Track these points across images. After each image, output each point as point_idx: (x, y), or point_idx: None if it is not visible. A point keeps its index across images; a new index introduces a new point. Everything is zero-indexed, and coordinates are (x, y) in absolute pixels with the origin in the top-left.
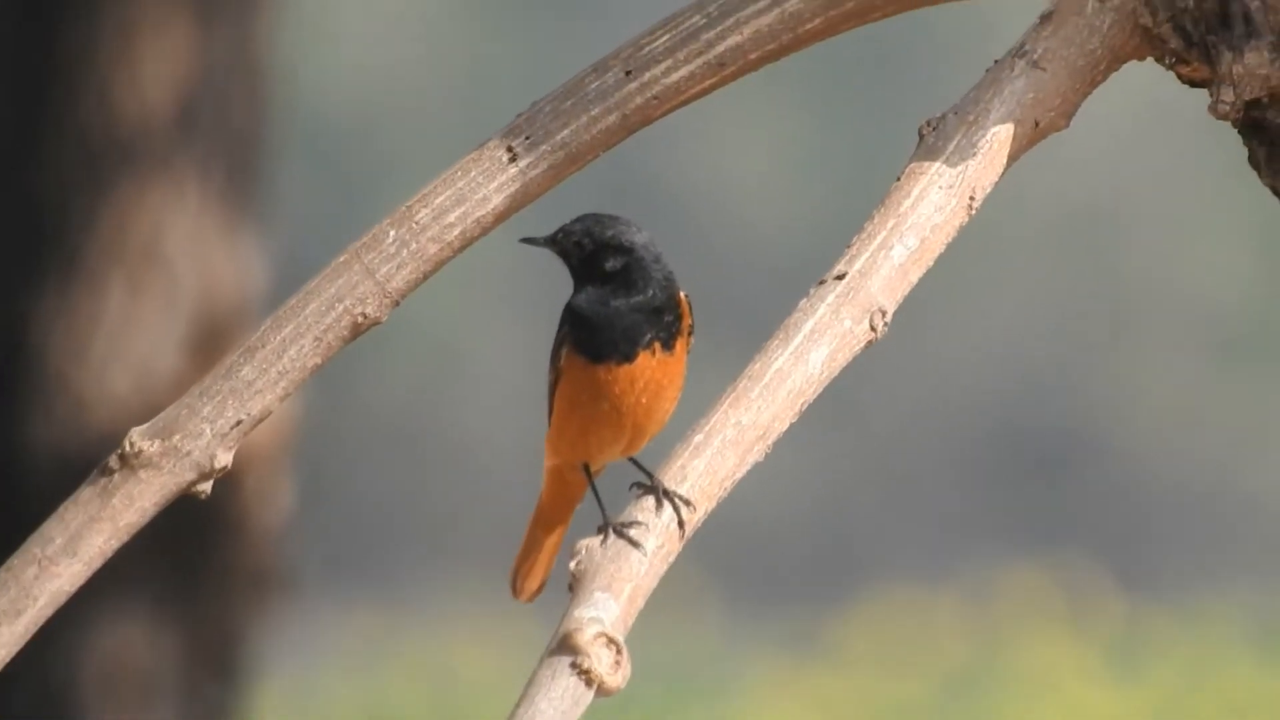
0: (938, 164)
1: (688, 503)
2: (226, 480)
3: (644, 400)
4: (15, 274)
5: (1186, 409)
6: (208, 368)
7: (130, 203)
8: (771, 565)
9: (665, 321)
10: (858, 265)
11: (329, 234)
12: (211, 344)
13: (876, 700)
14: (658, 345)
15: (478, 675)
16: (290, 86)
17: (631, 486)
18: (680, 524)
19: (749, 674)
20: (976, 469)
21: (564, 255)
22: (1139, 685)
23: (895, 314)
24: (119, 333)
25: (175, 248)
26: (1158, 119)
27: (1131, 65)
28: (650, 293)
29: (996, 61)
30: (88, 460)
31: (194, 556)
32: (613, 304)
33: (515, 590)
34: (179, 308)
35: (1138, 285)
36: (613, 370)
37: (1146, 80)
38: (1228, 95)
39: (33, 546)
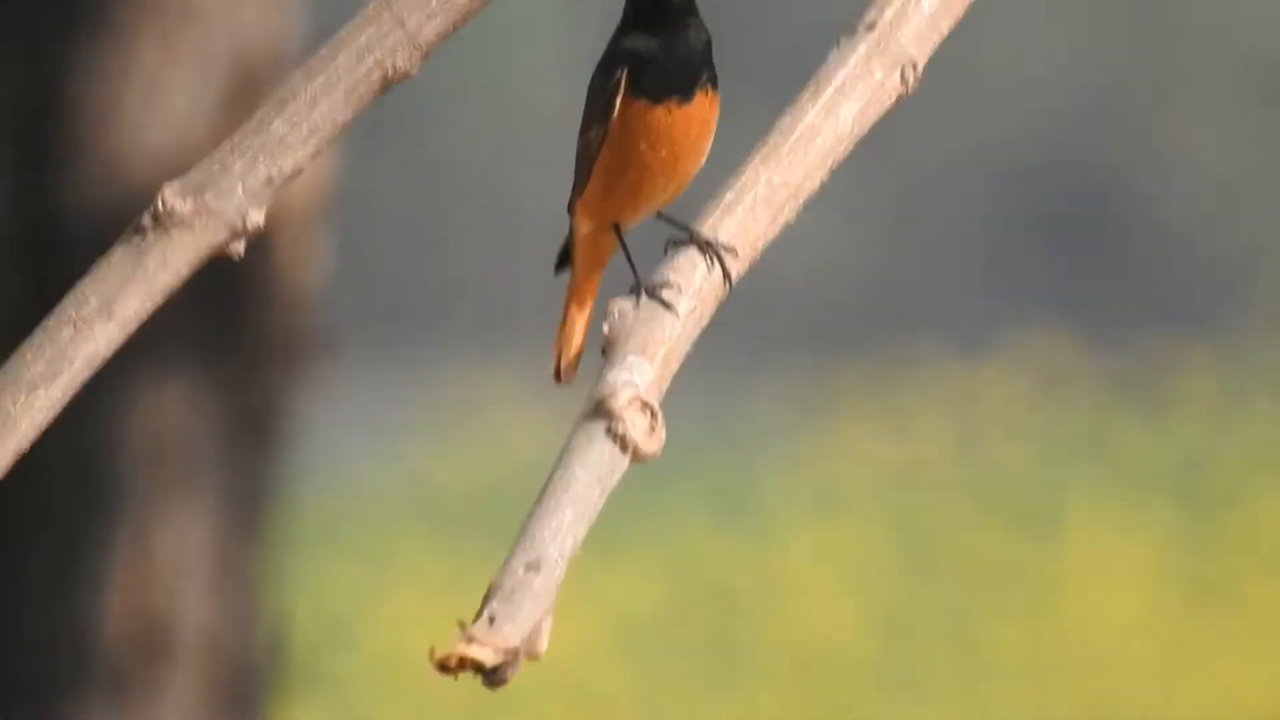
0: None
1: (731, 250)
2: (261, 242)
3: (699, 144)
4: (43, 30)
5: (1232, 164)
6: (241, 123)
7: None
8: (802, 322)
9: (711, 62)
10: (888, 14)
11: None
12: (246, 97)
13: (893, 459)
14: (709, 85)
15: (514, 443)
16: None
17: (667, 243)
18: (726, 273)
19: (773, 429)
20: (1012, 225)
21: None
22: (1169, 435)
23: (927, 66)
24: (151, 87)
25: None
26: None
27: None
28: (701, 34)
29: None
30: (123, 218)
31: (229, 321)
32: (669, 45)
33: (556, 372)
34: (212, 60)
35: (1183, 34)
36: (673, 111)
37: None
38: None
39: (68, 307)
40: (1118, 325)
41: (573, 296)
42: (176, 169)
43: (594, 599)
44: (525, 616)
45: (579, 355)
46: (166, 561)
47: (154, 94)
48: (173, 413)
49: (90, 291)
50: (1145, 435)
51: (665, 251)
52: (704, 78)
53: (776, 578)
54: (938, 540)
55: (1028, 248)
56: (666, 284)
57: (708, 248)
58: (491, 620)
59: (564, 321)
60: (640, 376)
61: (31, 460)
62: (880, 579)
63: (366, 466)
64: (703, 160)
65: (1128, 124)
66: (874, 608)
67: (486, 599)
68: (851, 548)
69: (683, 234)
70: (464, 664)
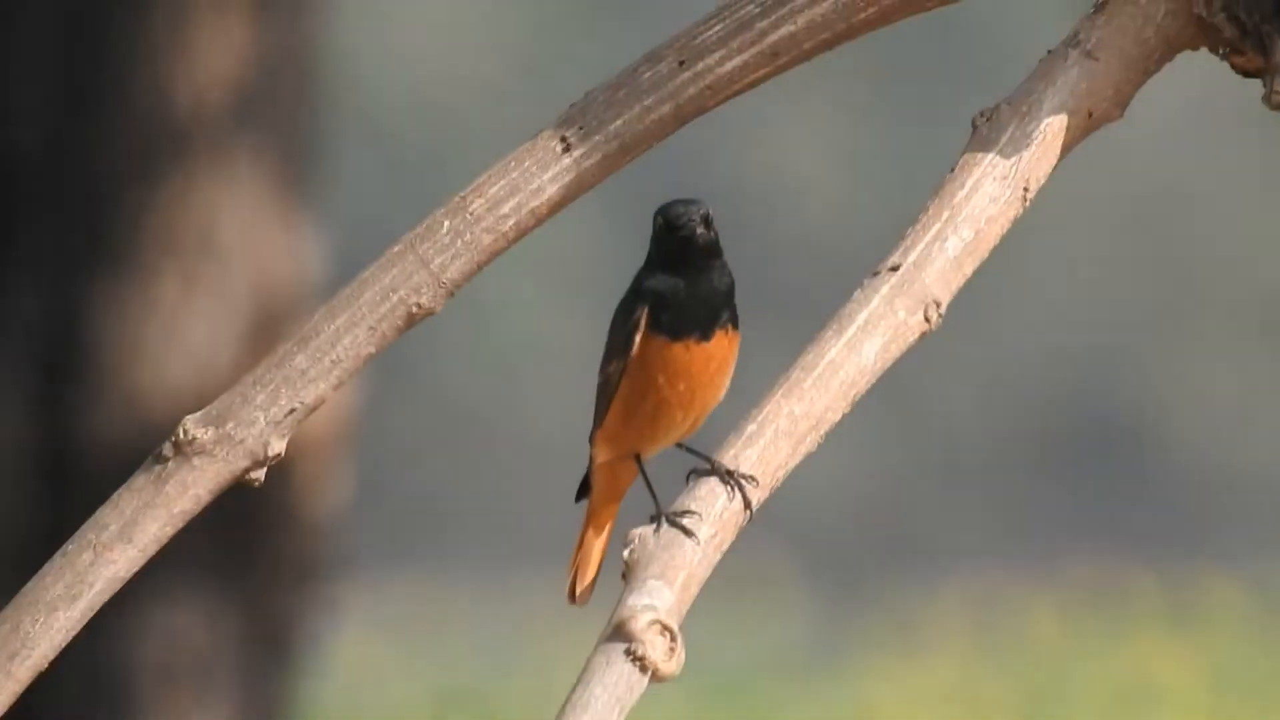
0: (992, 155)
1: (752, 479)
2: (281, 469)
3: (717, 379)
4: (69, 265)
5: (1245, 396)
6: (262, 358)
7: (184, 193)
8: (826, 554)
9: (733, 303)
10: (912, 257)
11: (384, 224)
12: (266, 334)
13: (901, 696)
14: (729, 325)
15: (534, 665)
16: (345, 75)
17: (689, 473)
18: (746, 502)
19: (797, 660)
20: (1034, 457)
21: (687, 237)
22: (1201, 651)
23: (951, 303)
24: (173, 324)
25: (229, 238)
26: (1213, 109)
27: (1185, 55)
28: (725, 276)
29: (1050, 52)
30: (142, 451)
31: (248, 544)
32: (692, 285)
33: (571, 593)
34: (233, 298)
35: (1195, 273)
36: (691, 349)
37: (1201, 70)
38: None
39: (88, 532)
40: (1137, 548)
41: (590, 522)
42: (196, 402)
43: None
44: None
45: (594, 579)
46: None
47: (175, 329)
48: (189, 631)
49: (110, 517)
50: (1171, 652)
51: (687, 481)
52: (724, 318)
53: None
54: None
55: (1044, 478)
56: (688, 512)
57: (729, 477)
58: None
59: (581, 545)
60: (660, 600)
61: (47, 676)
62: None
63: (390, 683)
64: (721, 395)
65: (1141, 358)
66: None
67: None
68: None
69: (704, 464)
70: None
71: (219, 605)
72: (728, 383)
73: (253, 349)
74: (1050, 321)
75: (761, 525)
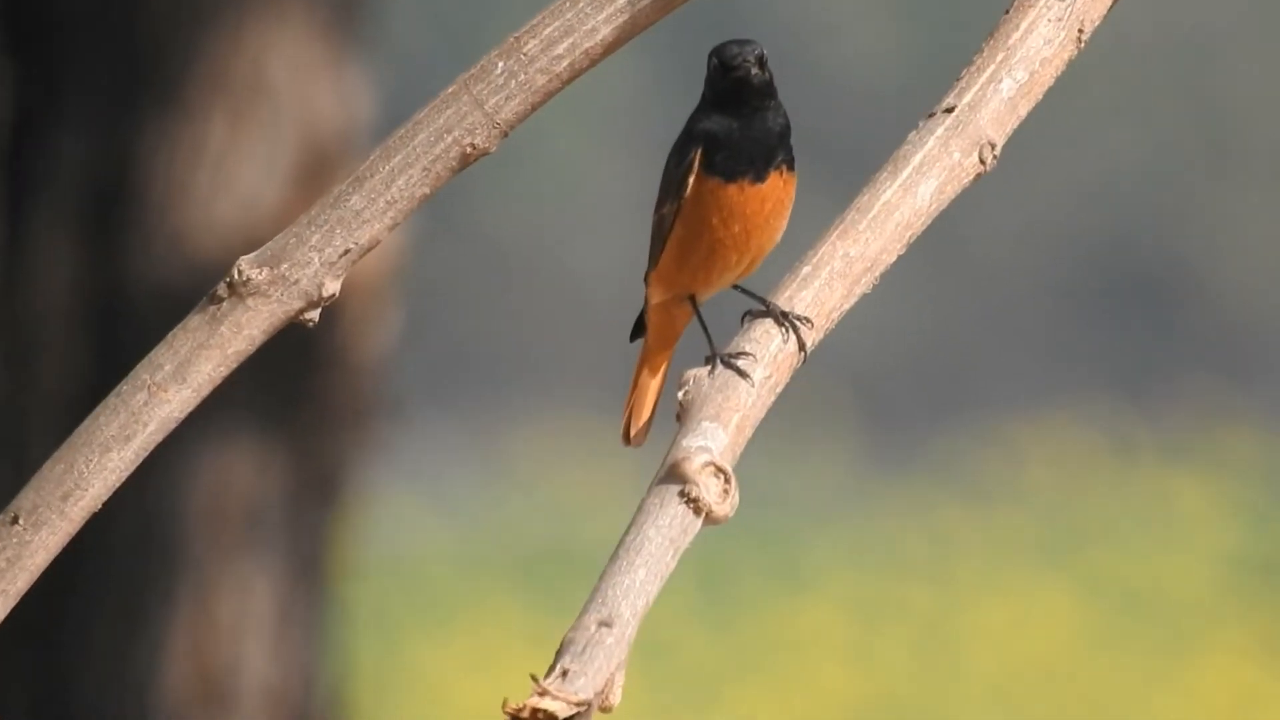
0: None
1: (807, 321)
2: (329, 311)
3: (772, 221)
4: (117, 108)
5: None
6: (312, 200)
7: (232, 33)
8: (873, 396)
9: (789, 144)
10: (967, 98)
11: (437, 69)
12: (316, 176)
13: (965, 528)
14: (784, 166)
15: (583, 509)
16: None
17: (744, 315)
18: (801, 343)
19: (850, 501)
20: (1074, 301)
21: (742, 78)
22: (1226, 494)
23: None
24: (222, 165)
25: (279, 79)
26: None
27: None
28: (779, 117)
29: None
30: (193, 293)
31: (298, 387)
32: (746, 126)
33: (625, 434)
34: (282, 140)
35: (1238, 117)
36: (745, 190)
37: None
38: None
39: (142, 373)
40: (1170, 386)
41: (645, 363)
42: (245, 244)
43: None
44: (598, 670)
45: (649, 420)
46: (229, 620)
47: (223, 170)
48: (238, 474)
49: (165, 357)
50: (1199, 491)
51: (742, 322)
52: (779, 159)
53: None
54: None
55: (1085, 317)
56: (742, 353)
57: (784, 318)
58: (564, 674)
59: (635, 386)
60: (714, 442)
61: (97, 520)
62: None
63: (431, 526)
64: (777, 237)
65: (1182, 200)
66: (915, 660)
67: (559, 654)
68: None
69: (759, 305)
70: (536, 716)
71: (268, 448)
72: (784, 225)
73: (301, 191)
74: (1094, 165)
75: (815, 366)
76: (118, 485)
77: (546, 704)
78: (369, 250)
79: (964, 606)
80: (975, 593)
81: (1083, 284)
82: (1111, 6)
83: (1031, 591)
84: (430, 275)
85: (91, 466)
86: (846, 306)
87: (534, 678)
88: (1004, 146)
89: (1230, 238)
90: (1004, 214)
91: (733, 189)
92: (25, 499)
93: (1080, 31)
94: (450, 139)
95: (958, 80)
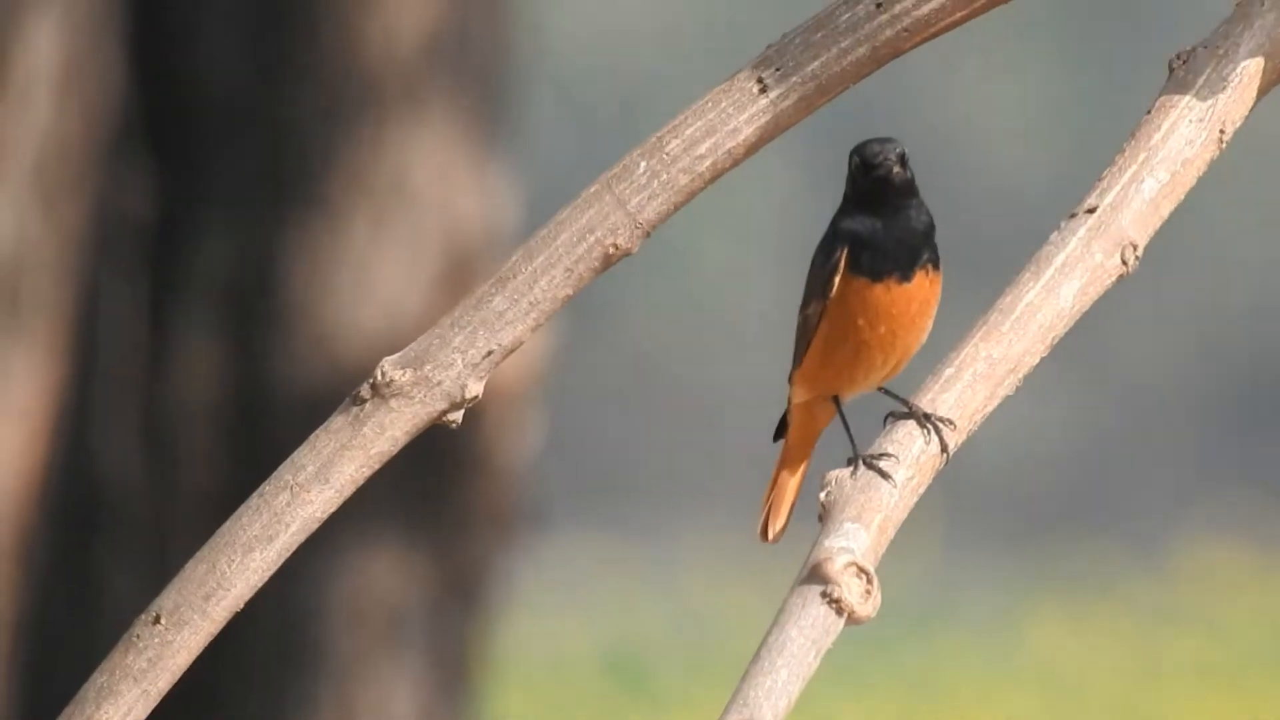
0: (1188, 97)
1: (950, 423)
2: (473, 414)
3: (919, 321)
4: (261, 210)
5: None
6: (453, 303)
7: (376, 136)
8: (1007, 503)
9: (933, 243)
10: (1109, 199)
11: (575, 171)
12: (456, 280)
13: (1098, 645)
14: (930, 266)
15: (721, 613)
16: (540, 19)
17: (887, 416)
18: (943, 446)
19: (980, 611)
20: (1219, 415)
21: (884, 177)
22: None
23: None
24: (364, 267)
25: (421, 182)
26: None
27: None
28: (922, 215)
29: None
30: (333, 396)
31: (440, 490)
32: (890, 225)
33: (763, 531)
34: (424, 243)
35: None
36: (891, 289)
37: None
38: None
39: (285, 473)
40: None
41: (785, 461)
42: (387, 346)
43: None
44: None
45: (788, 517)
46: None
47: (366, 272)
48: (381, 575)
49: (308, 458)
50: None
51: (884, 424)
52: (925, 258)
53: None
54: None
55: (1232, 428)
56: (885, 454)
57: (926, 420)
58: None
59: (775, 484)
60: (856, 542)
61: (241, 618)
62: None
63: (572, 632)
64: (923, 338)
65: None
66: None
67: None
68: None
69: (902, 407)
70: None
71: (410, 551)
72: (929, 325)
73: (443, 294)
74: (1244, 273)
75: (958, 468)
76: (260, 585)
77: None
78: (512, 352)
79: None
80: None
81: (1232, 394)
82: (1253, 107)
83: (1184, 707)
84: (575, 381)
85: (234, 567)
86: (989, 408)
87: None
88: (1146, 248)
89: None
90: (1147, 318)
91: (879, 289)
92: (167, 598)
93: (1222, 132)
94: (593, 239)
95: (1099, 180)
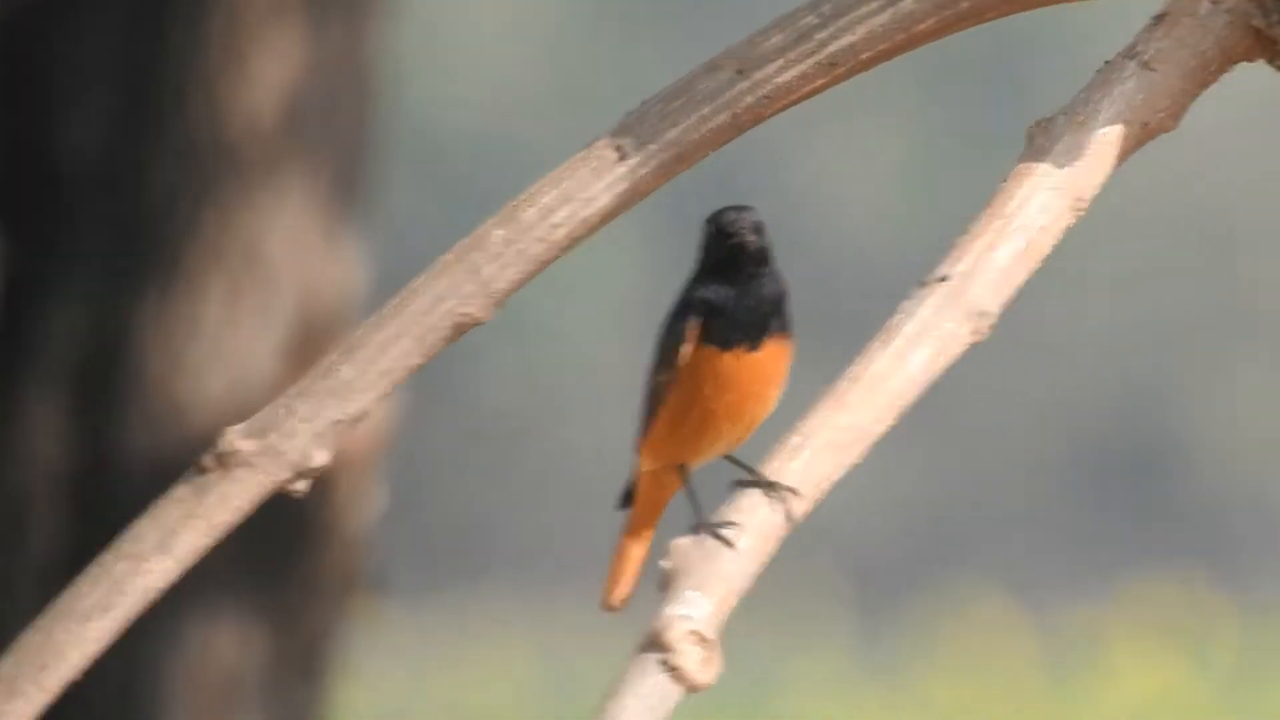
0: (1045, 165)
1: (795, 492)
2: (317, 482)
3: (767, 390)
4: (116, 277)
5: None
6: (305, 372)
7: (233, 207)
8: (856, 567)
9: (785, 312)
10: (961, 267)
11: (435, 239)
12: (309, 350)
13: (939, 711)
14: (780, 335)
15: (564, 683)
16: (399, 90)
17: (733, 484)
18: (788, 514)
19: (819, 675)
20: (1067, 476)
21: (739, 244)
22: (1210, 669)
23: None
24: (217, 338)
25: (275, 253)
26: (1269, 120)
27: (1242, 66)
28: (776, 284)
29: (1107, 63)
30: (183, 464)
31: (282, 558)
32: (742, 294)
33: (606, 600)
34: (278, 312)
35: (1245, 291)
36: (740, 358)
37: (1258, 81)
38: None
39: (125, 543)
40: (1167, 570)
41: (631, 529)
42: (237, 416)
43: None
44: None
45: (633, 586)
46: None
47: (219, 343)
48: (220, 644)
49: (148, 529)
50: (1187, 670)
51: (730, 492)
52: (774, 326)
53: None
54: None
55: (1084, 496)
56: (728, 523)
57: (772, 489)
58: None
59: (619, 553)
60: (697, 610)
61: (78, 689)
62: None
63: (415, 698)
64: (772, 406)
65: (1185, 380)
66: None
67: None
68: None
69: (748, 475)
70: None
71: (252, 620)
72: (778, 394)
73: (294, 364)
74: (1094, 339)
75: (804, 536)
76: (96, 656)
77: None
78: (359, 421)
79: None
80: None
81: (1076, 457)
82: (1110, 175)
83: None
84: (424, 447)
85: (70, 637)
86: (836, 477)
87: None
88: (1000, 317)
89: (1230, 418)
90: (998, 382)
91: (728, 357)
92: (4, 668)
93: (1079, 199)
94: (445, 308)
95: (952, 249)
